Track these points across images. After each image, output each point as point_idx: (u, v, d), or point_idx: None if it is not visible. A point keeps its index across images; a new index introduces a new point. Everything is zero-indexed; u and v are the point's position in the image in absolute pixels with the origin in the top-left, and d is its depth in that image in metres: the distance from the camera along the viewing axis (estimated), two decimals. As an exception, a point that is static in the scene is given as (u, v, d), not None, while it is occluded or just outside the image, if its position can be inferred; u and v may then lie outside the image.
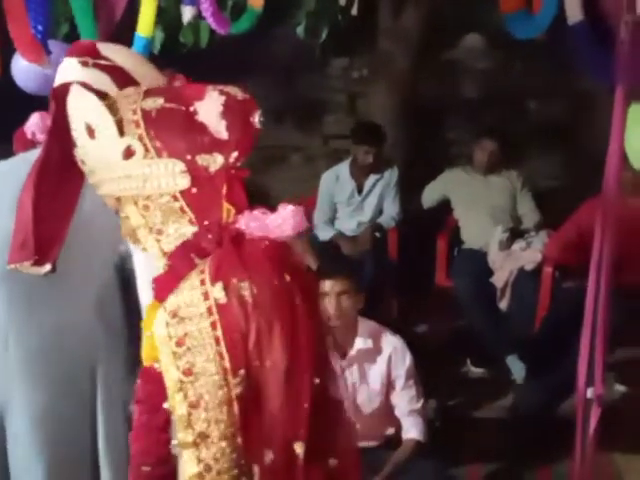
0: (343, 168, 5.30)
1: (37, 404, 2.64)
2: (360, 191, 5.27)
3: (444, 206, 5.35)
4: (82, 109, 2.28)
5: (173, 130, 2.23)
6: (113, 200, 2.33)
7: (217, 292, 2.22)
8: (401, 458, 3.40)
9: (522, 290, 4.69)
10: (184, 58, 4.15)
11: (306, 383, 2.23)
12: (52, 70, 2.67)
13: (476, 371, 4.86)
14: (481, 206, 5.13)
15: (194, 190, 2.25)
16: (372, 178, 5.24)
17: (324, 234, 5.19)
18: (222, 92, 2.23)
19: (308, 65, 5.68)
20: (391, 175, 5.26)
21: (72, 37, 3.35)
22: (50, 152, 2.37)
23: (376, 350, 3.50)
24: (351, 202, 5.27)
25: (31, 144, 2.69)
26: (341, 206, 5.29)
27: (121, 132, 2.25)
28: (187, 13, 3.27)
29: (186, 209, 2.27)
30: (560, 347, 3.96)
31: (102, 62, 2.32)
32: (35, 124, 2.67)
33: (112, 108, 2.28)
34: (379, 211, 5.28)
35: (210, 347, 2.21)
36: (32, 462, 2.65)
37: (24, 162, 2.48)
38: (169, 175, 2.25)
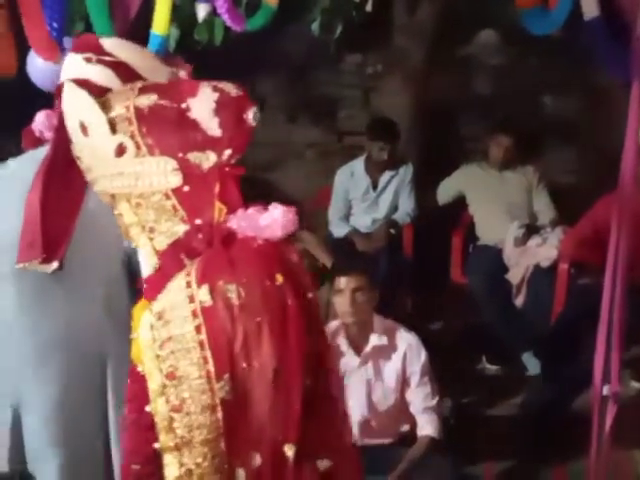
0: (358, 164, 5.29)
1: (49, 398, 2.66)
2: (375, 187, 5.26)
3: (459, 202, 5.34)
4: (75, 106, 2.28)
5: (165, 127, 2.24)
6: (108, 197, 2.32)
7: (203, 295, 2.20)
8: (416, 455, 3.41)
9: (538, 287, 4.68)
10: (199, 55, 4.14)
11: (296, 385, 2.21)
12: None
13: (491, 368, 4.85)
14: (496, 202, 5.11)
15: (186, 188, 2.24)
16: (387, 174, 5.23)
17: (339, 231, 5.19)
18: (216, 88, 2.23)
19: (322, 61, 5.66)
20: (406, 171, 5.24)
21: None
22: (57, 150, 2.37)
23: (391, 347, 3.50)
24: (366, 198, 5.26)
25: (39, 142, 2.68)
26: (356, 202, 5.28)
27: (113, 129, 2.24)
28: (202, 10, 3.26)
29: (178, 207, 2.26)
30: (576, 344, 3.95)
31: (106, 58, 2.32)
32: (41, 122, 2.66)
33: (106, 105, 2.27)
34: (394, 207, 5.27)
35: (194, 351, 2.19)
36: (47, 456, 2.68)
37: (32, 160, 2.50)
38: (161, 173, 2.24)
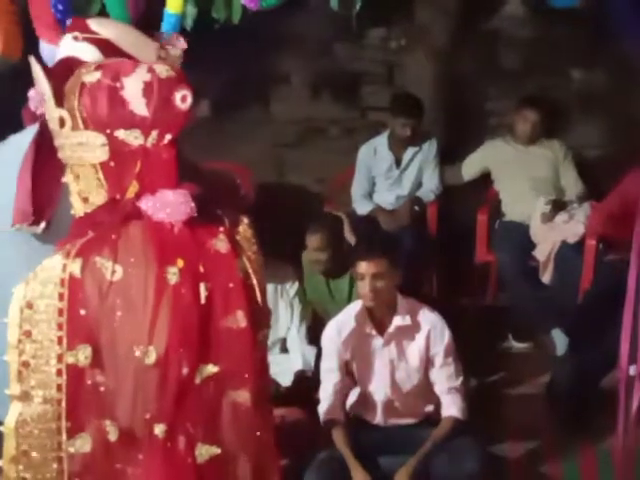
0: (381, 141, 5.24)
1: None
2: (398, 164, 5.20)
3: (485, 178, 5.28)
4: (37, 80, 2.52)
5: (98, 104, 2.43)
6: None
7: (74, 267, 2.40)
8: (440, 435, 3.38)
9: (565, 263, 4.63)
10: (220, 33, 4.10)
11: (173, 369, 2.37)
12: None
13: (518, 346, 4.80)
14: (522, 177, 5.06)
15: (112, 164, 2.45)
16: (410, 151, 5.17)
17: (362, 208, 5.14)
18: (150, 69, 2.42)
19: (345, 36, 5.59)
20: (430, 147, 5.19)
21: (106, 15, 3.32)
22: (44, 124, 2.61)
23: (414, 327, 3.46)
24: (389, 175, 5.20)
25: (37, 118, 2.82)
26: (379, 179, 5.23)
27: (61, 103, 2.46)
28: (216, -12, 3.21)
29: (103, 181, 2.47)
30: (603, 321, 3.89)
31: (90, 36, 2.53)
32: (34, 98, 2.76)
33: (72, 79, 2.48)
34: (418, 184, 5.21)
35: (52, 314, 2.40)
36: None
37: (30, 135, 2.73)
38: (90, 147, 2.44)
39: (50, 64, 3.08)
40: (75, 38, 2.54)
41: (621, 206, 4.18)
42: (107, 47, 2.51)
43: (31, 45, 3.19)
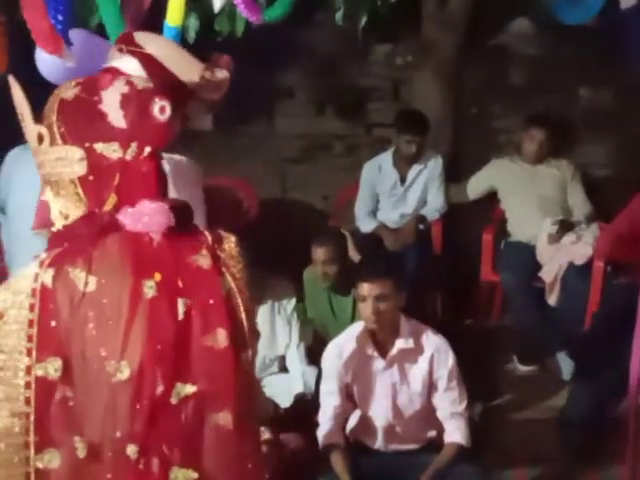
0: (385, 158, 5.18)
1: None
2: (403, 181, 5.14)
3: (491, 197, 5.22)
4: (16, 100, 2.49)
5: (77, 118, 2.42)
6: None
7: (46, 276, 2.35)
8: (443, 462, 3.31)
9: (572, 285, 4.56)
10: (223, 46, 4.05)
11: (148, 388, 2.31)
12: (72, 62, 2.70)
13: (523, 369, 4.72)
14: (529, 197, 5.00)
15: (91, 177, 2.41)
16: (415, 168, 5.11)
17: (366, 226, 5.08)
18: (128, 82, 2.42)
19: (351, 52, 5.55)
20: (435, 165, 5.12)
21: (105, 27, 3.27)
22: None
23: (418, 350, 3.39)
24: (394, 193, 5.14)
25: None
26: (383, 197, 5.17)
27: (41, 119, 2.44)
28: (217, 1, 3.16)
29: (82, 195, 2.43)
30: (612, 345, 3.81)
31: (133, 49, 2.49)
32: None
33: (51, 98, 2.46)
34: (423, 202, 5.15)
35: (22, 325, 2.34)
36: None
37: None
38: (69, 161, 2.41)
39: (48, 75, 3.06)
40: (120, 50, 2.52)
41: (630, 228, 4.11)
42: (150, 62, 2.47)
43: (20, 58, 3.17)
